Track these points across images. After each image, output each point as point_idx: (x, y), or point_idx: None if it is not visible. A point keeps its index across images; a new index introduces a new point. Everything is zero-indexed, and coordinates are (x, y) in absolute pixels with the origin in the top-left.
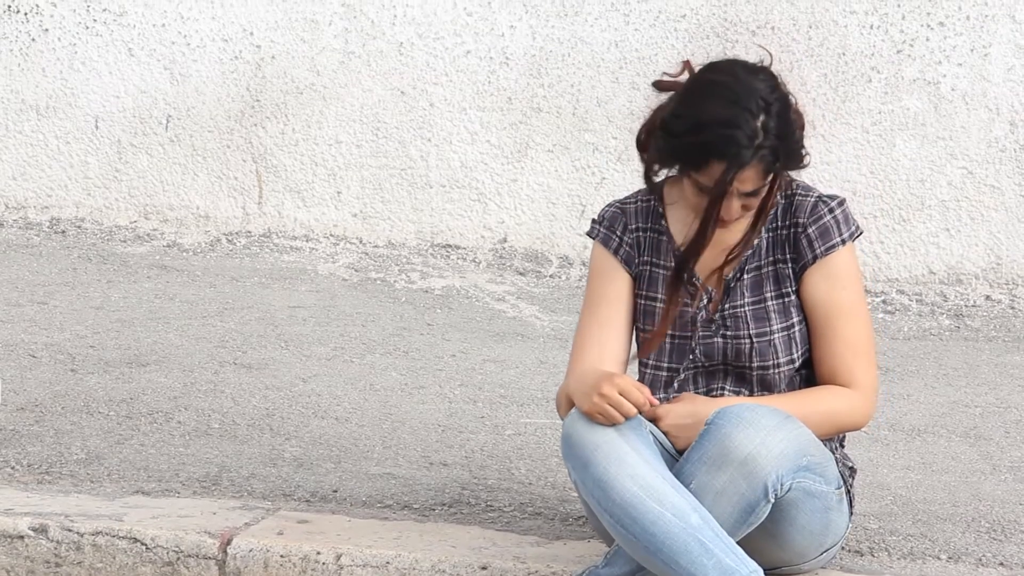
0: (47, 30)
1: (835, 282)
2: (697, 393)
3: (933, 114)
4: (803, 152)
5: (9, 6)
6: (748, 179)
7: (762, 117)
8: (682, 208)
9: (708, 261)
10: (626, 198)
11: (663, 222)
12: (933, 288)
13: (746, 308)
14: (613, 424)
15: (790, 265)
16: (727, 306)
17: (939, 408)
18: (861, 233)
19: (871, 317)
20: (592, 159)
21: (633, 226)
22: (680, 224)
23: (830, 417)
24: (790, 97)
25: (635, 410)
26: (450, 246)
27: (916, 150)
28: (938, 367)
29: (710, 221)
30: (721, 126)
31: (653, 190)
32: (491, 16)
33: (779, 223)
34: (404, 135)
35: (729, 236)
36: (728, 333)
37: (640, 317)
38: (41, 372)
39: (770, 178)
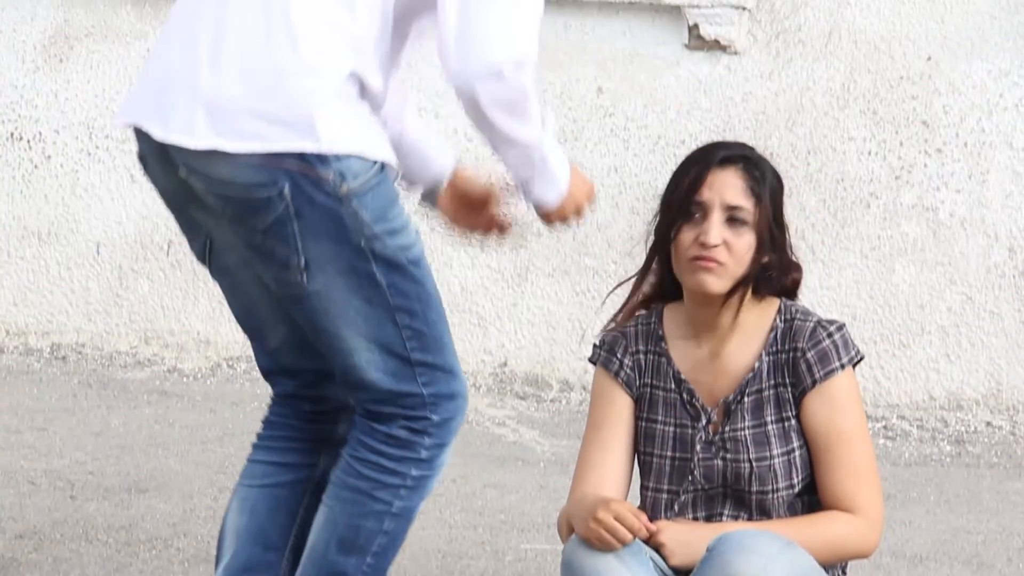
0: (49, 157)
1: (835, 407)
2: (697, 519)
3: (932, 240)
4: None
5: (12, 133)
6: (728, 185)
7: (744, 152)
8: (682, 331)
9: (709, 384)
10: (627, 323)
11: (663, 344)
12: (934, 414)
13: (746, 432)
14: (611, 550)
15: (790, 390)
16: (727, 429)
17: (941, 535)
18: (862, 358)
19: (872, 442)
20: (592, 283)
21: (633, 349)
22: (681, 346)
23: (833, 544)
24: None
25: (631, 536)
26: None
27: (915, 275)
28: (939, 493)
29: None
30: (700, 149)
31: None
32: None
33: (779, 347)
34: None
35: (731, 361)
36: (728, 456)
37: (641, 440)
38: (40, 499)
39: (756, 210)
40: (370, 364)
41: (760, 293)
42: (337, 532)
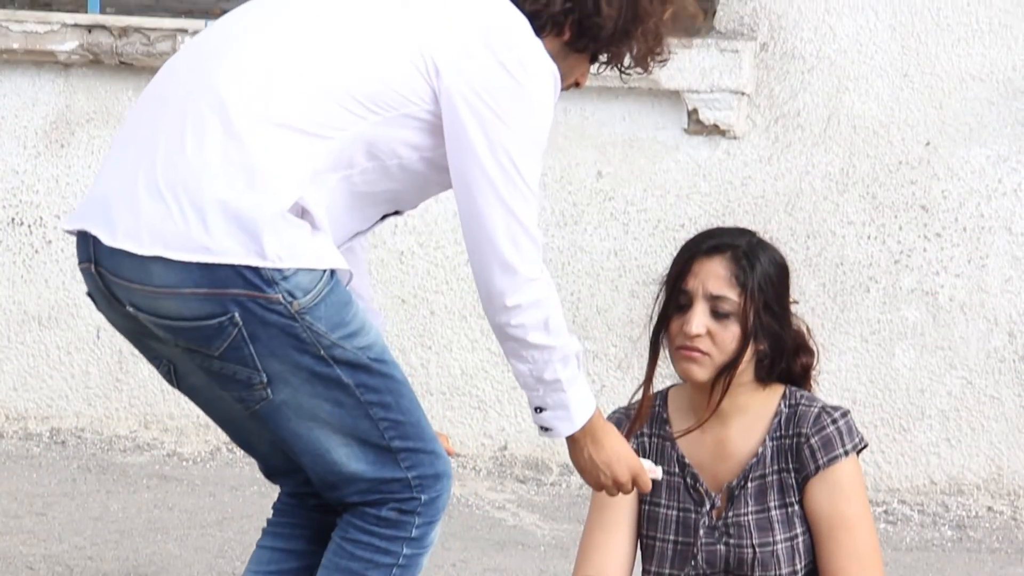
0: (50, 241)
1: (839, 493)
2: None
3: (932, 324)
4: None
5: (13, 218)
6: (712, 275)
7: (746, 242)
8: (686, 414)
9: (713, 468)
10: (631, 404)
11: (667, 428)
12: (935, 498)
13: (750, 517)
14: None
15: (793, 475)
16: (731, 514)
17: None
18: (865, 446)
19: (876, 529)
20: (592, 367)
21: (638, 431)
22: (684, 430)
23: None
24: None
25: None
26: (449, 455)
27: (915, 360)
28: None
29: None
30: (695, 236)
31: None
32: None
33: (783, 432)
34: (404, 343)
35: (735, 446)
36: (731, 541)
37: (644, 523)
38: None
39: (741, 300)
40: (349, 458)
41: (764, 380)
42: None
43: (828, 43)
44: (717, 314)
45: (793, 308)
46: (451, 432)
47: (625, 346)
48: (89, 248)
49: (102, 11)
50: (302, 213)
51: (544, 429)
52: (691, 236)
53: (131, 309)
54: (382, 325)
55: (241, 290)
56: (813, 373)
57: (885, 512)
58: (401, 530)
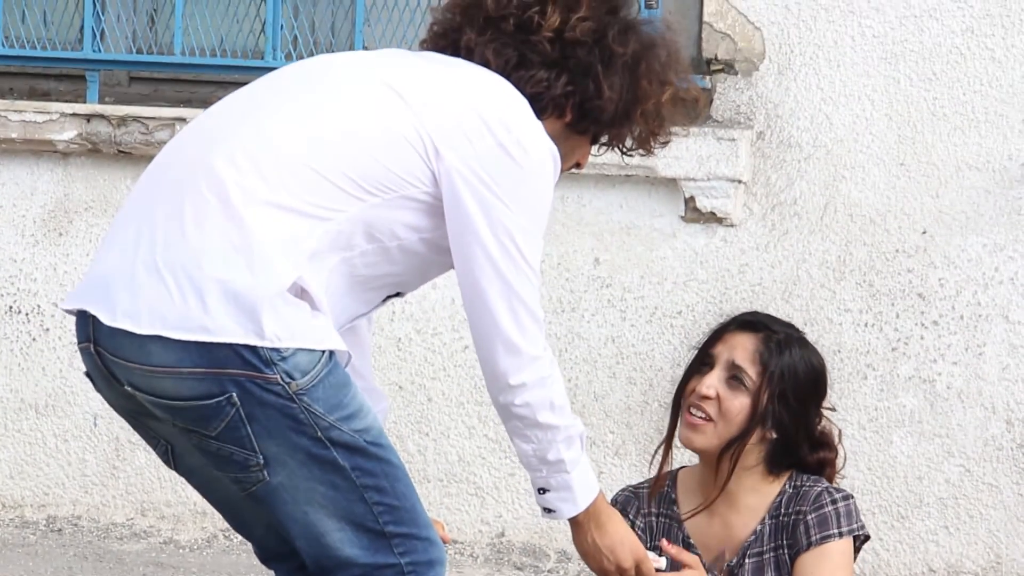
0: (48, 329)
1: (826, 564)
2: None
3: (929, 412)
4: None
5: (11, 306)
6: (739, 346)
7: (784, 332)
8: (695, 495)
9: (716, 549)
10: (640, 483)
11: (675, 508)
12: None
13: None
14: None
15: (787, 551)
16: None
17: None
18: (866, 537)
19: None
20: (590, 454)
21: (645, 510)
22: (691, 511)
23: None
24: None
25: None
26: (447, 542)
27: (913, 447)
28: None
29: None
30: (747, 313)
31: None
32: None
33: (783, 511)
34: (402, 430)
35: (739, 527)
36: None
37: None
38: None
39: (759, 378)
40: (343, 542)
41: (773, 470)
42: None
43: (825, 132)
44: (731, 382)
45: (829, 414)
46: (448, 519)
47: (622, 432)
48: (88, 328)
49: (101, 101)
50: (301, 293)
51: (547, 511)
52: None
53: (129, 388)
54: (386, 406)
55: (239, 370)
56: (837, 476)
57: None
58: None
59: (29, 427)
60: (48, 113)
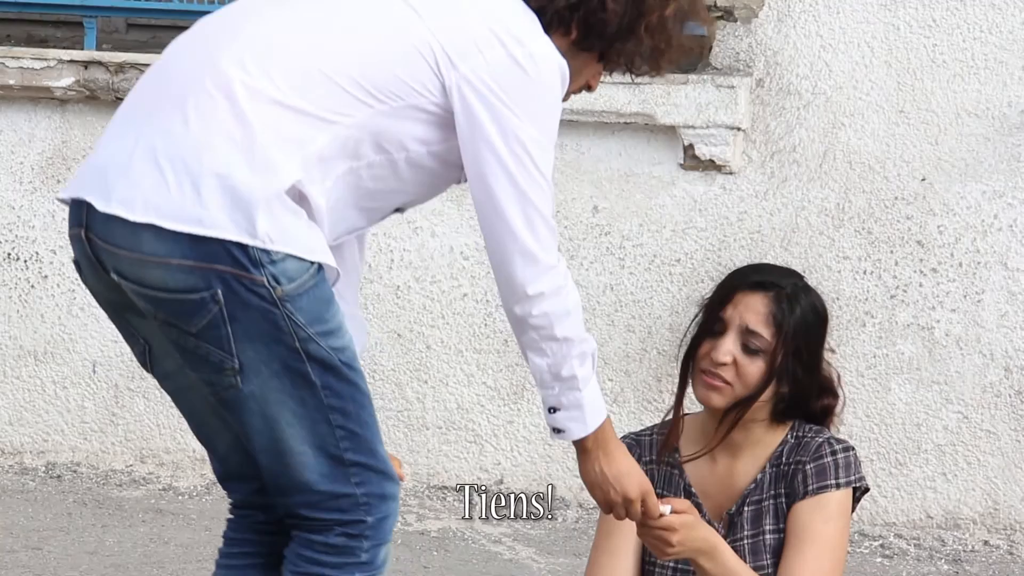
0: (46, 276)
1: (820, 513)
2: None
3: (927, 359)
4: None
5: (9, 254)
6: (751, 310)
7: (791, 285)
8: (697, 443)
9: (717, 496)
10: (641, 431)
11: (676, 456)
12: (931, 533)
13: (745, 541)
14: None
15: (785, 500)
16: (729, 540)
17: None
18: (866, 489)
19: (844, 565)
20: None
21: (647, 458)
22: (694, 459)
23: None
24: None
25: None
26: (446, 487)
27: (911, 394)
28: None
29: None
30: (744, 267)
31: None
32: (487, 260)
33: (784, 460)
34: (400, 377)
35: (740, 476)
36: None
37: (646, 550)
38: None
39: (774, 341)
40: (304, 466)
41: (779, 419)
42: None
43: (824, 79)
44: (747, 348)
45: (828, 356)
46: (447, 466)
47: (621, 380)
48: (82, 215)
49: (98, 47)
50: (300, 199)
51: (556, 431)
52: (737, 267)
53: (115, 277)
54: (365, 341)
55: (227, 267)
56: (835, 419)
57: (881, 547)
58: (350, 556)
59: (28, 374)
60: (46, 60)
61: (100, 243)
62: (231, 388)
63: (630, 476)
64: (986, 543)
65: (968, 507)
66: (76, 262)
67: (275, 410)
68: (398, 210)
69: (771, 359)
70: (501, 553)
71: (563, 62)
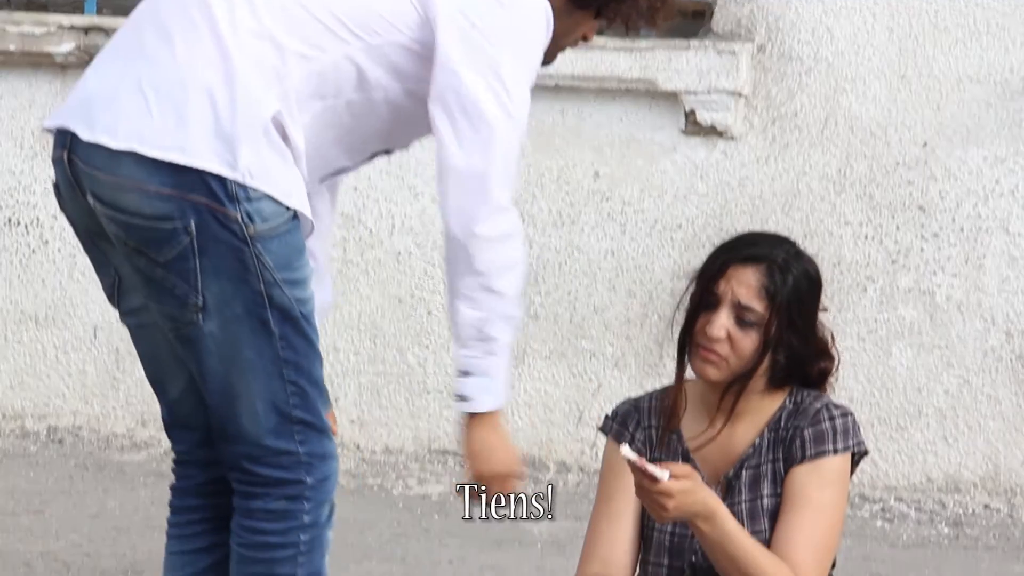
0: (47, 241)
1: (817, 478)
2: None
3: (929, 323)
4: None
5: (10, 219)
6: (743, 284)
7: (783, 254)
8: (695, 408)
9: (715, 461)
10: (640, 396)
11: (674, 420)
12: (931, 496)
13: (743, 506)
14: None
15: (783, 464)
16: (726, 504)
17: None
18: (864, 452)
19: (840, 535)
20: (589, 366)
21: (646, 423)
22: (691, 423)
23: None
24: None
25: None
26: (447, 452)
27: (912, 359)
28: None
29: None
30: (734, 238)
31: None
32: None
33: (782, 425)
34: (402, 342)
35: (737, 440)
36: None
37: (645, 514)
38: None
39: (767, 313)
40: (252, 416)
41: (776, 386)
42: None
43: (825, 45)
44: (741, 322)
45: (822, 315)
46: (447, 431)
47: (622, 345)
48: (66, 141)
49: (98, 13)
50: (283, 135)
51: (461, 399)
52: (729, 238)
53: (91, 200)
54: (329, 300)
55: (203, 198)
56: (831, 379)
57: (882, 510)
58: (292, 519)
59: (29, 338)
60: (46, 25)
61: (81, 165)
62: (192, 325)
63: (512, 451)
64: (986, 506)
65: (969, 471)
66: (56, 185)
67: (232, 353)
68: (386, 151)
69: (765, 331)
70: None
71: (547, 6)
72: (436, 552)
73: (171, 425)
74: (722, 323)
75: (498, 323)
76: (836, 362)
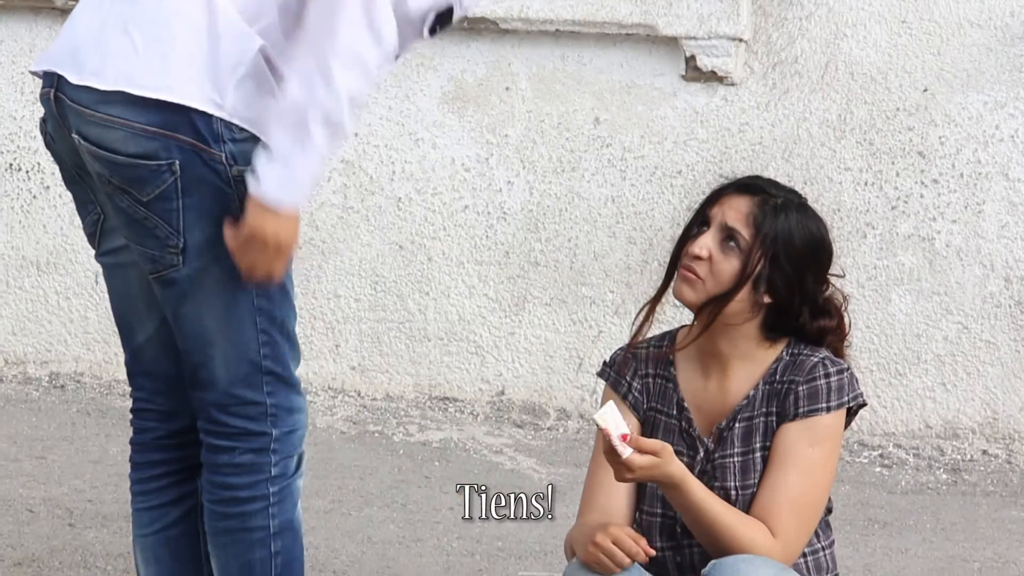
0: (48, 187)
1: (807, 435)
2: (690, 544)
3: (928, 270)
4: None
5: (11, 164)
6: (734, 208)
7: (784, 197)
8: (692, 356)
9: (709, 411)
10: (638, 343)
11: (672, 369)
12: (930, 442)
13: (735, 458)
14: (610, 574)
15: (776, 419)
16: (717, 455)
17: (937, 563)
18: (863, 405)
19: (828, 491)
20: (589, 312)
21: (643, 372)
22: (688, 372)
23: (737, 546)
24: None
25: (628, 560)
26: (448, 399)
27: (911, 305)
28: (936, 521)
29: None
30: (749, 176)
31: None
32: (488, 172)
33: (777, 378)
34: (402, 289)
35: (732, 390)
36: (716, 483)
37: None
38: (39, 527)
39: (752, 240)
40: (223, 364)
41: (770, 336)
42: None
43: None
44: (725, 245)
45: (837, 281)
46: (448, 377)
47: (622, 291)
48: (53, 81)
49: None
50: (271, 67)
51: (254, 175)
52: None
53: (77, 137)
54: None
55: (188, 138)
56: (844, 345)
57: (881, 456)
58: (260, 472)
59: (31, 284)
60: None
61: (68, 102)
62: (171, 267)
63: (281, 250)
64: (985, 452)
65: (967, 417)
66: (43, 120)
67: (207, 298)
68: None
69: (746, 258)
70: (502, 463)
71: None
72: (437, 498)
73: (133, 372)
74: (706, 243)
75: (320, 121)
76: (847, 328)
